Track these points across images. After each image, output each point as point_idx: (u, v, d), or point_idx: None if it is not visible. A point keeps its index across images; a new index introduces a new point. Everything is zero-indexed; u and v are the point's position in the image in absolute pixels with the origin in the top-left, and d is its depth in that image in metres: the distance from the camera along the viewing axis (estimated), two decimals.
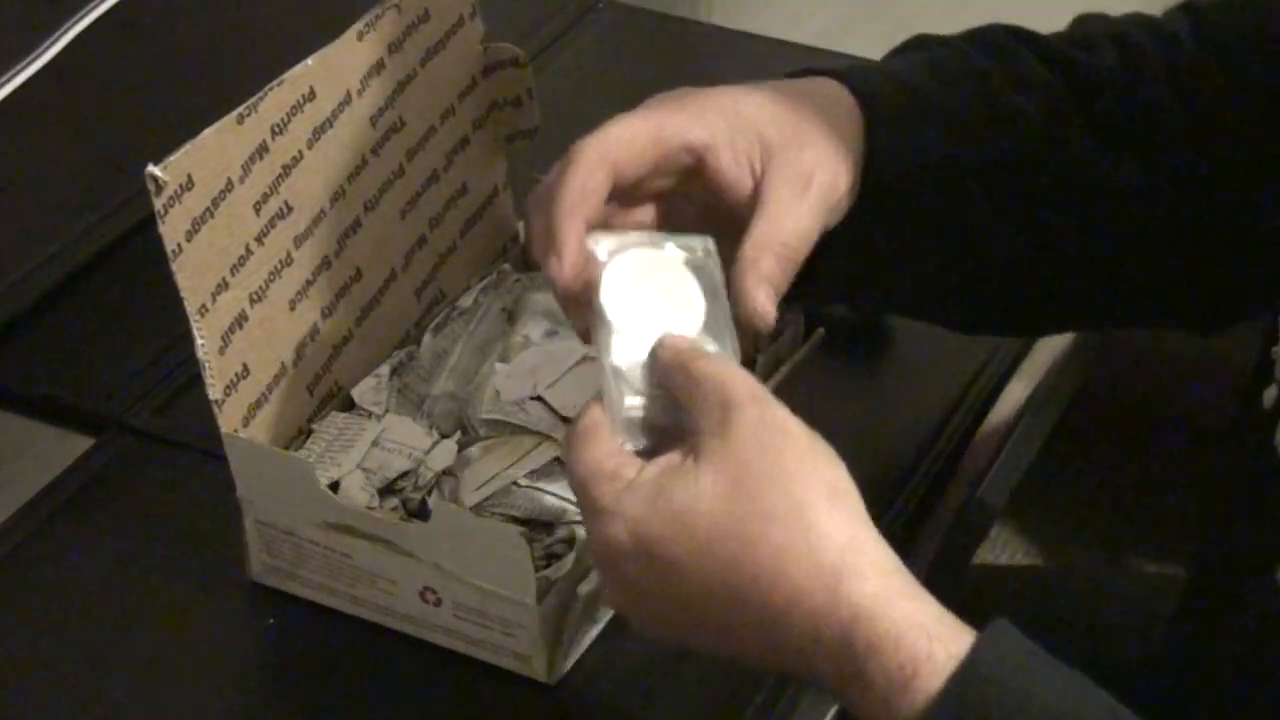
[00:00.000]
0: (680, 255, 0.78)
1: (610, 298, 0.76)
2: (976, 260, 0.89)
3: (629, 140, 0.79)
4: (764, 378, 0.92)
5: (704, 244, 0.79)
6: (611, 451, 0.74)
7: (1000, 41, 0.90)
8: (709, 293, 0.77)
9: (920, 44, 0.91)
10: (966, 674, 0.67)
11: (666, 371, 0.74)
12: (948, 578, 0.94)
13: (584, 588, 0.83)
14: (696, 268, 0.78)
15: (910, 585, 0.70)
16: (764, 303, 0.78)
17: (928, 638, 0.68)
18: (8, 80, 1.19)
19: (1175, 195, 0.87)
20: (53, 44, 1.22)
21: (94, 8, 1.24)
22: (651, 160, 0.79)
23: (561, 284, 0.76)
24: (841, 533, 0.70)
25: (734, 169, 0.80)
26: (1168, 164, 0.87)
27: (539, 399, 0.91)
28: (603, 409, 0.75)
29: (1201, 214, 0.88)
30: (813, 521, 0.70)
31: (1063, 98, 0.88)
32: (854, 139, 0.84)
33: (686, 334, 0.76)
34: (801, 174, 0.80)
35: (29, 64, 1.20)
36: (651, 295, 0.77)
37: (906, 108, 0.86)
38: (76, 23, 1.23)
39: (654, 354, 0.75)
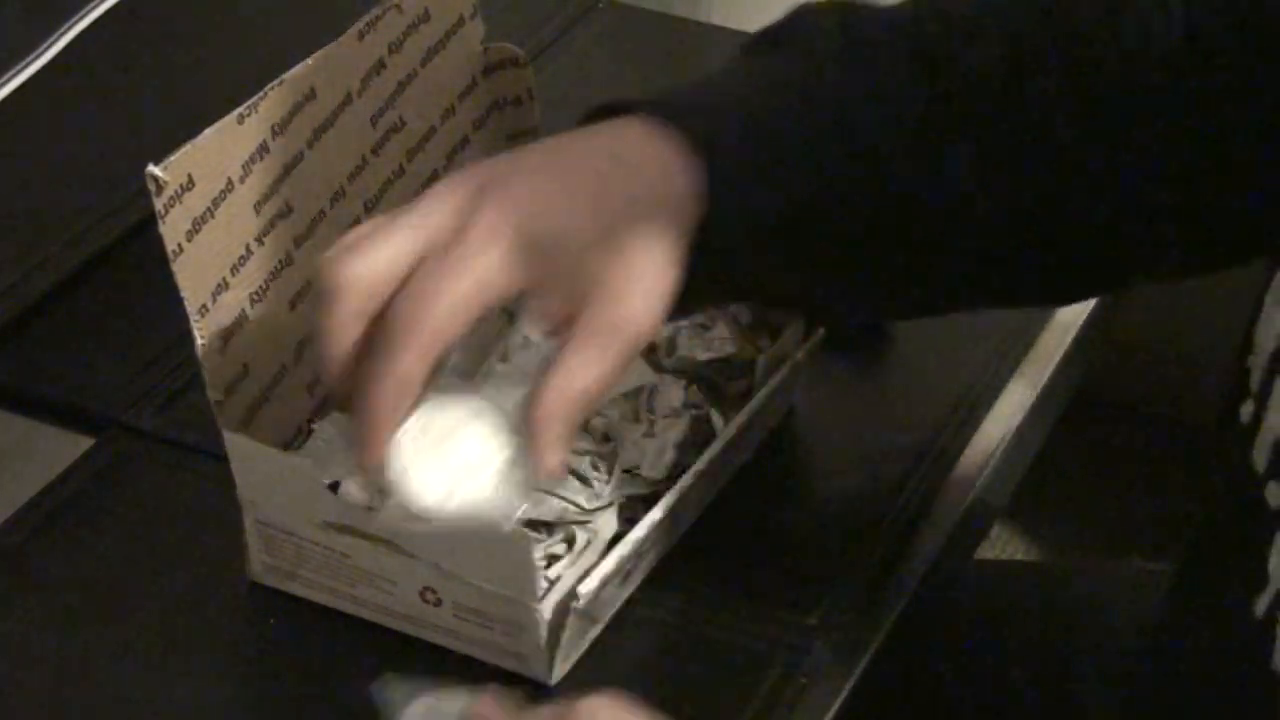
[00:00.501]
0: (468, 402, 0.78)
1: (399, 472, 0.76)
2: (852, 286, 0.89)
3: (458, 321, 0.76)
4: (764, 378, 0.93)
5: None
6: None
7: (871, 37, 0.85)
8: (502, 433, 0.77)
9: (775, 42, 0.86)
10: None
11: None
12: (948, 577, 0.94)
13: (584, 588, 0.83)
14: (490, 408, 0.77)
15: None
16: (557, 467, 0.76)
17: None
18: (8, 80, 1.18)
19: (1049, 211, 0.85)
20: (53, 44, 1.22)
21: (94, 8, 1.24)
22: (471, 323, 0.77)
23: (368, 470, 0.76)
24: None
25: (545, 317, 0.79)
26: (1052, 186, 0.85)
27: None
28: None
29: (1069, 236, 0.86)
30: None
31: (933, 116, 0.83)
32: (681, 217, 0.80)
33: (479, 497, 0.76)
34: (608, 324, 0.77)
35: (29, 64, 1.20)
36: (442, 460, 0.76)
37: (747, 157, 0.81)
38: (76, 23, 1.23)
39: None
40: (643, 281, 0.78)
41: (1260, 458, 0.75)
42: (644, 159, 0.80)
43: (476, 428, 0.77)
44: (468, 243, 0.75)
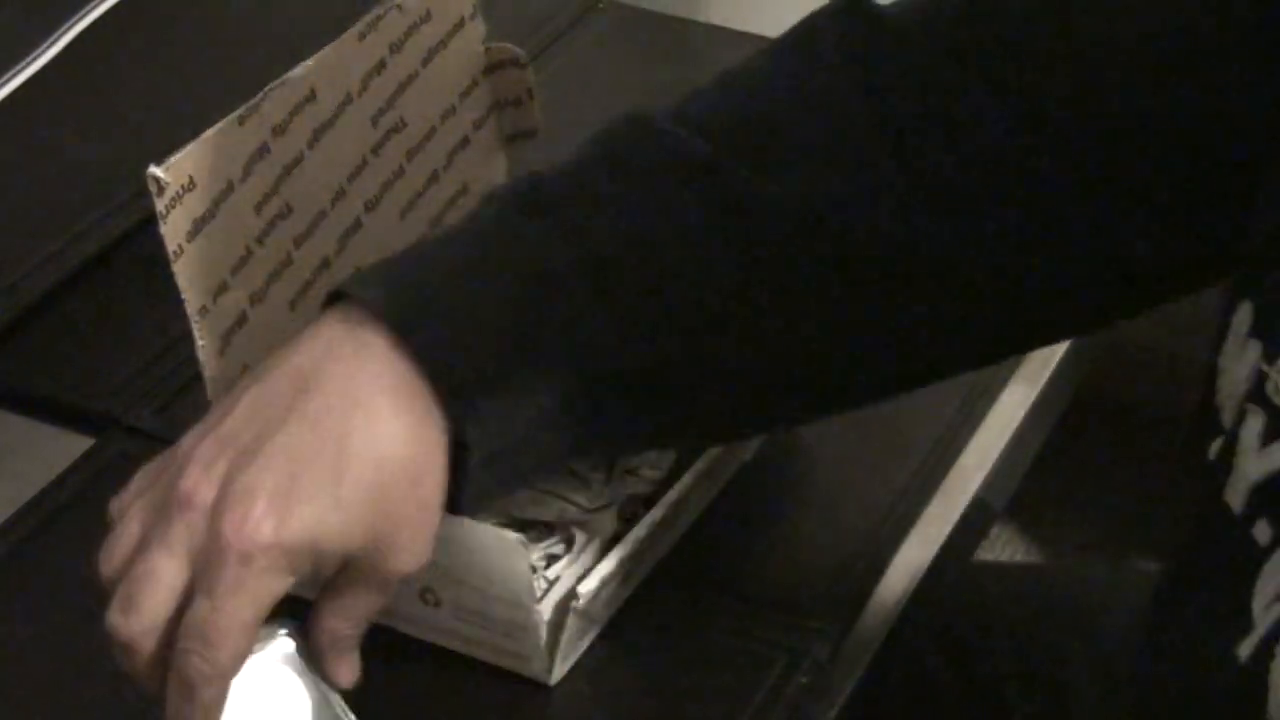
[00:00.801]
0: (285, 648, 0.77)
1: None
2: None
3: (244, 647, 0.74)
4: None
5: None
6: None
7: (618, 189, 0.80)
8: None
9: (508, 212, 0.80)
10: None
11: None
12: (948, 578, 0.94)
13: (584, 588, 0.83)
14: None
15: None
16: (351, 677, 0.77)
17: None
18: (8, 80, 1.18)
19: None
20: (53, 44, 1.22)
21: (94, 8, 1.24)
22: None
23: None
24: None
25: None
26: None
27: None
28: None
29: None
30: None
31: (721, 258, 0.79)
32: (431, 462, 0.76)
33: None
34: (378, 579, 0.76)
35: (29, 64, 1.20)
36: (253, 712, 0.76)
37: (488, 388, 0.77)
38: (76, 23, 1.23)
39: None
40: (406, 542, 0.76)
41: (1235, 499, 0.72)
42: (383, 403, 0.75)
43: (286, 671, 0.77)
44: (223, 585, 0.73)
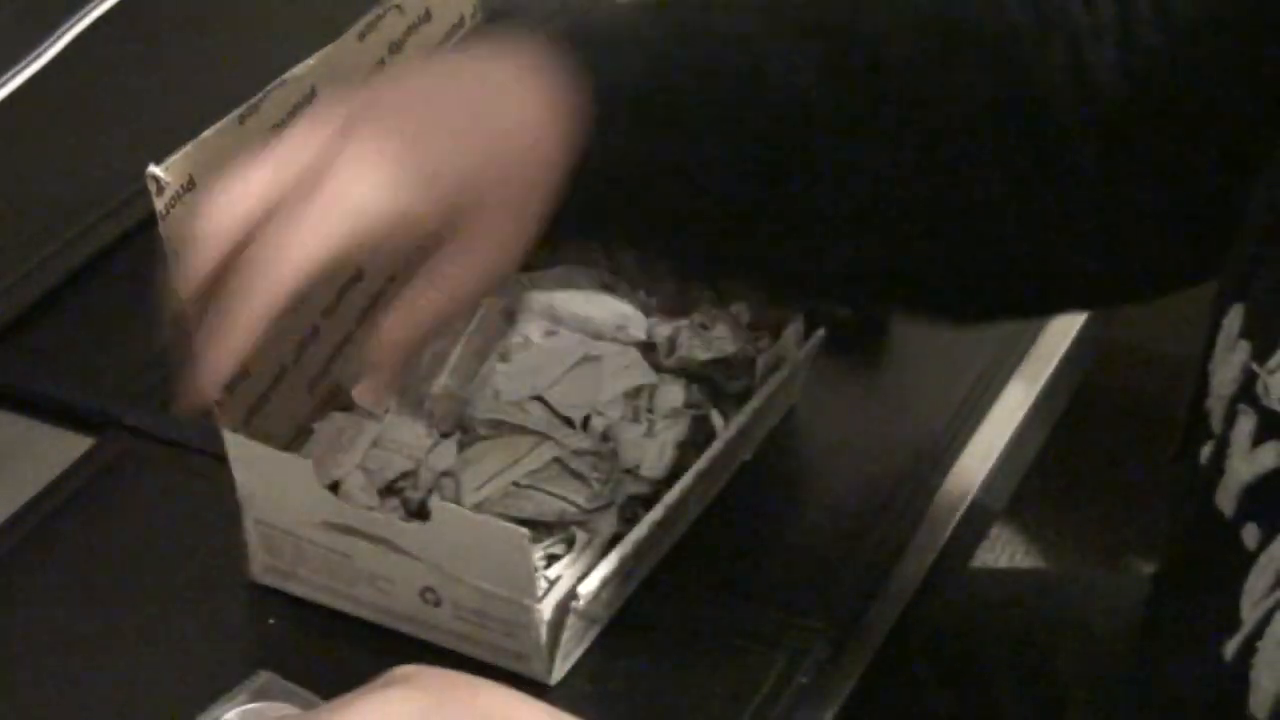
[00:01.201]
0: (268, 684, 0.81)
1: None
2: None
3: (318, 257, 0.76)
4: (764, 378, 0.93)
5: None
6: None
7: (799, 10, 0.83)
8: None
9: None
10: None
11: None
12: (948, 578, 0.94)
13: (584, 588, 0.83)
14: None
15: None
16: (382, 387, 0.80)
17: None
18: (8, 80, 1.19)
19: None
20: (53, 44, 1.22)
21: (94, 8, 1.24)
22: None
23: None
24: None
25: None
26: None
27: (539, 399, 0.91)
28: None
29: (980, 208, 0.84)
30: None
31: (858, 94, 0.82)
32: (551, 165, 0.79)
33: None
34: (454, 276, 0.79)
35: (29, 64, 1.20)
36: None
37: (636, 109, 0.80)
38: (76, 23, 1.23)
39: None
40: (499, 234, 0.78)
41: (1226, 502, 0.72)
42: (525, 100, 0.79)
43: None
44: (334, 175, 0.75)
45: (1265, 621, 0.68)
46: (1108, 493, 1.93)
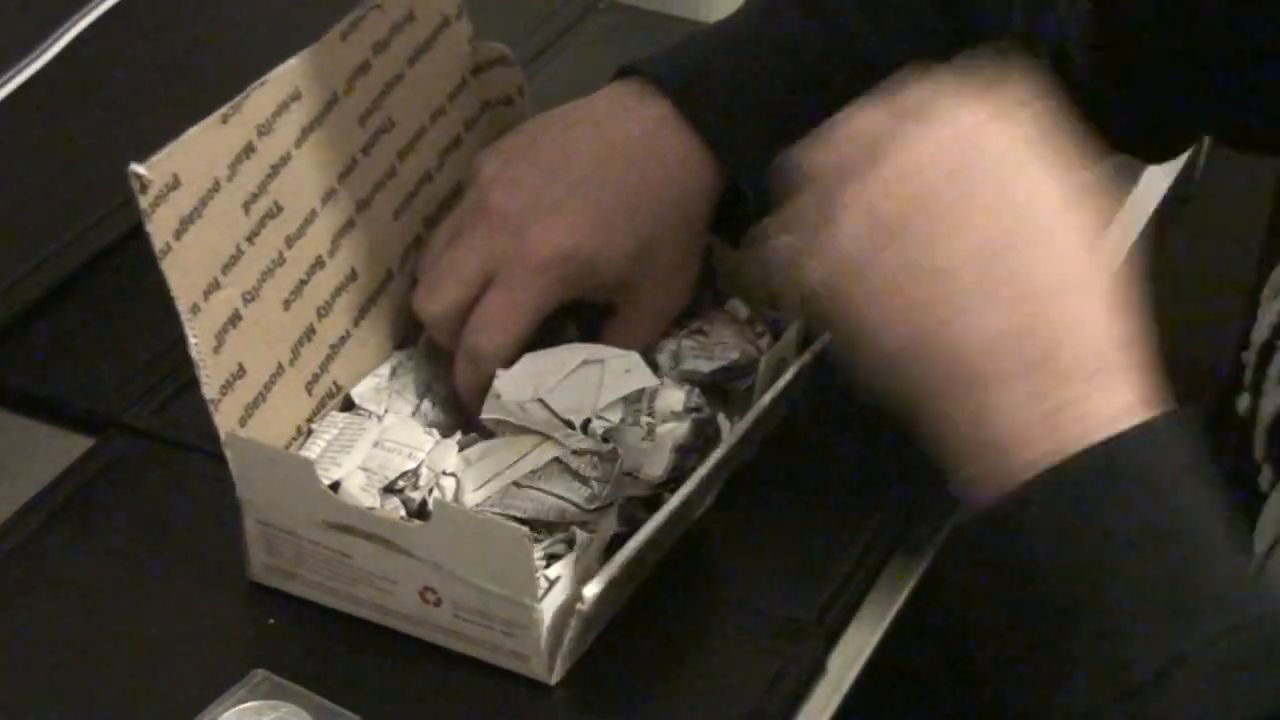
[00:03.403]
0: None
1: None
2: None
3: (514, 341, 0.90)
4: (767, 381, 0.93)
5: None
6: None
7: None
8: None
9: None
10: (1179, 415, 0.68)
11: None
12: (946, 578, 0.94)
13: (584, 589, 0.83)
14: None
15: None
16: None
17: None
18: (8, 80, 1.19)
19: None
20: (53, 44, 1.22)
21: (94, 8, 1.25)
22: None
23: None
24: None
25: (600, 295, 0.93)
26: None
27: (540, 401, 0.91)
28: None
29: None
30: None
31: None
32: (702, 208, 0.93)
33: None
34: (641, 322, 0.94)
35: (29, 64, 1.20)
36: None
37: (762, 139, 0.86)
38: (76, 23, 1.23)
39: None
40: (671, 281, 0.93)
41: (1259, 445, 0.76)
42: (669, 152, 0.91)
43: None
44: (516, 283, 0.90)
45: (1274, 546, 0.70)
46: None
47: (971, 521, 0.69)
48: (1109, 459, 0.66)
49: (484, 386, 0.90)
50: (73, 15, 1.23)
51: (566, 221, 0.89)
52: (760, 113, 0.91)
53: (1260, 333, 0.77)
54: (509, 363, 0.90)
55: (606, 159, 0.91)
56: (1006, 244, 0.67)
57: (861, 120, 0.71)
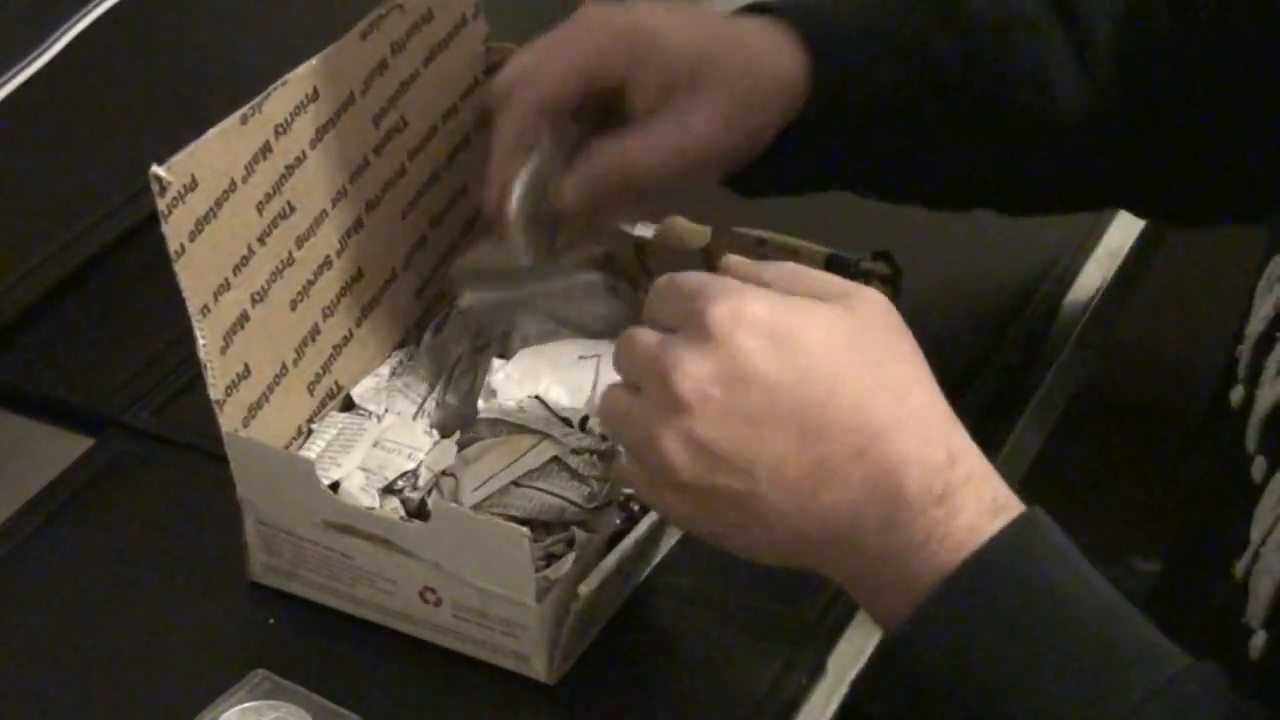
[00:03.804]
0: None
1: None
2: (934, 176, 0.97)
3: (559, 85, 0.89)
4: None
5: None
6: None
7: None
8: None
9: None
10: (1038, 516, 0.73)
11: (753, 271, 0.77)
12: None
13: (584, 588, 0.83)
14: None
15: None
16: (572, 188, 0.89)
17: (1009, 490, 0.73)
18: (8, 80, 1.19)
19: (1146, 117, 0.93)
20: (53, 44, 1.22)
21: (94, 8, 1.25)
22: (576, 99, 0.89)
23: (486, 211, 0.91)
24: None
25: (642, 101, 0.89)
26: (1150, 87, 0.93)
27: (537, 398, 0.91)
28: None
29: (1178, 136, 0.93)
30: (937, 389, 0.75)
31: (1043, 24, 0.93)
32: (786, 74, 0.91)
33: None
34: (688, 122, 0.89)
35: (29, 64, 1.20)
36: None
37: (854, 40, 0.92)
38: (76, 23, 1.23)
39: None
40: (698, 119, 0.90)
41: (1252, 436, 0.77)
42: (770, 37, 0.92)
43: None
44: (577, 27, 0.91)
45: (1269, 533, 0.71)
46: (1108, 493, 1.93)
47: (875, 658, 0.74)
48: (984, 569, 0.71)
49: (516, 139, 0.89)
50: (73, 15, 1.23)
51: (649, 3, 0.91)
52: (856, 33, 0.93)
53: (1255, 325, 0.78)
54: (548, 113, 0.90)
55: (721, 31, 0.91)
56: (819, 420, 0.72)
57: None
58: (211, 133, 0.83)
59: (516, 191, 0.89)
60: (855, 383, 0.72)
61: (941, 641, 0.70)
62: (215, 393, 0.84)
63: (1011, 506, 0.72)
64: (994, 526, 0.71)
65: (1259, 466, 0.76)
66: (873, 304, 0.75)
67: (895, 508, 0.71)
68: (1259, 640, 0.73)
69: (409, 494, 0.89)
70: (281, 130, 0.86)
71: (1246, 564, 0.75)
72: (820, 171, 0.96)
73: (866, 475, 0.71)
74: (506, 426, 0.90)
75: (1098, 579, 0.72)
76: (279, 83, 0.86)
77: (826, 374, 0.72)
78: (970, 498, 0.71)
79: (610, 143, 0.89)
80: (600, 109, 0.90)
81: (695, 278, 0.75)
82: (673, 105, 0.89)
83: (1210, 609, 0.78)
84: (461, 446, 0.90)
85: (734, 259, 0.78)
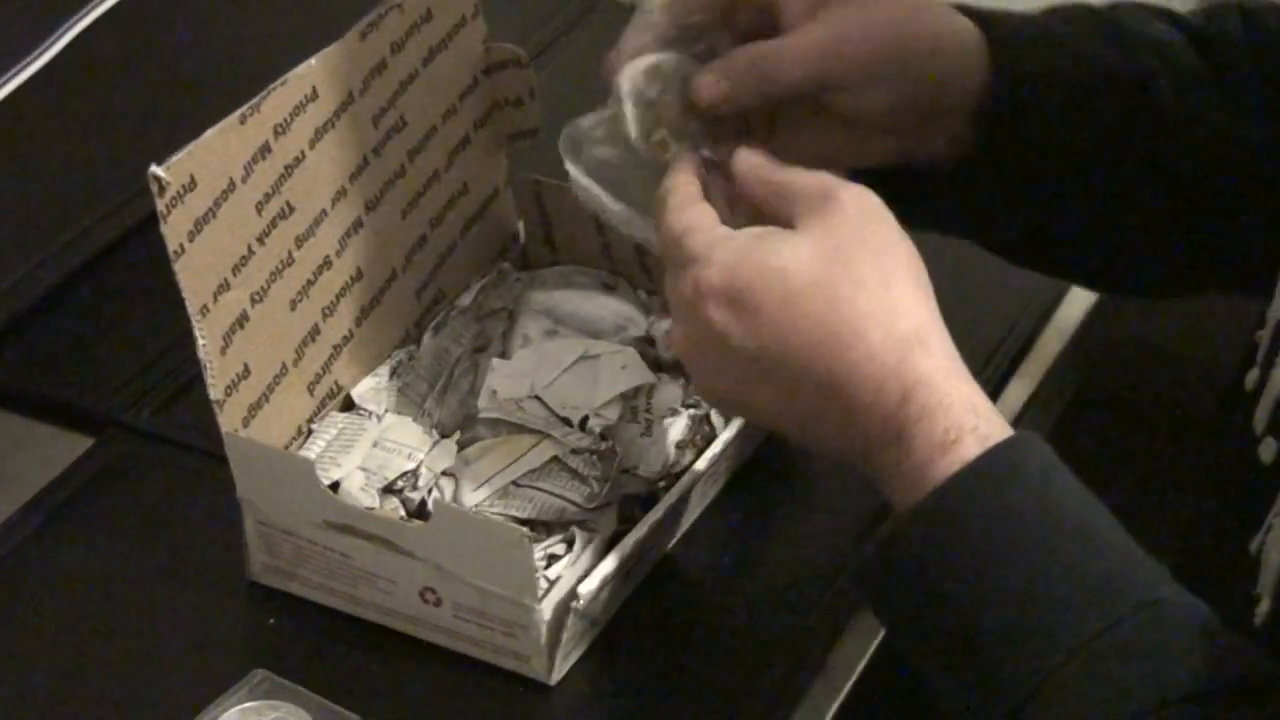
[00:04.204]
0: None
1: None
2: (1093, 200, 0.91)
3: None
4: None
5: None
6: (707, 212, 0.78)
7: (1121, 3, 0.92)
8: None
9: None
10: (1008, 445, 0.73)
11: (748, 182, 0.78)
12: None
13: (584, 588, 0.83)
14: None
15: (966, 371, 0.75)
16: (708, 82, 0.84)
17: (974, 415, 0.73)
18: (8, 80, 1.19)
19: None
20: (53, 44, 1.22)
21: (94, 8, 1.24)
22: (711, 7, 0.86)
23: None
24: (919, 311, 0.75)
25: (792, 10, 0.86)
26: None
27: (537, 398, 0.91)
28: (697, 179, 0.80)
29: None
30: (897, 295, 0.75)
31: (1187, 50, 0.90)
32: (960, 33, 0.87)
33: None
34: (836, 34, 0.85)
35: (29, 64, 1.20)
36: None
37: (1028, 33, 0.88)
38: (76, 23, 1.23)
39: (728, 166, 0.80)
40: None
41: (1262, 418, 0.77)
42: (950, 23, 0.87)
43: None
44: None
45: None
46: (1107, 491, 1.93)
47: (867, 557, 0.76)
48: (924, 518, 0.73)
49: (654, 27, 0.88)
50: (73, 15, 1.23)
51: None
52: (1031, 28, 0.89)
53: (1276, 310, 0.79)
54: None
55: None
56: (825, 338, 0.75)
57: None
58: (210, 133, 0.83)
59: (638, 65, 0.88)
60: (809, 334, 0.74)
61: (905, 577, 0.74)
62: (215, 393, 0.84)
63: (964, 439, 0.73)
64: (943, 465, 0.72)
65: (1268, 447, 0.76)
66: (847, 212, 0.76)
67: (866, 448, 0.75)
68: (1264, 607, 0.74)
69: (409, 494, 0.89)
70: (281, 130, 0.86)
71: (1260, 539, 0.76)
72: (1003, 199, 0.91)
73: (836, 421, 0.75)
74: (506, 426, 0.90)
75: (1073, 506, 0.76)
76: (278, 83, 0.86)
77: (785, 329, 0.74)
78: (921, 438, 0.73)
79: (753, 45, 0.85)
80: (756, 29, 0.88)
81: (664, 237, 0.78)
82: (824, 18, 0.85)
83: (1225, 592, 0.78)
84: (461, 446, 0.90)
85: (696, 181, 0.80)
